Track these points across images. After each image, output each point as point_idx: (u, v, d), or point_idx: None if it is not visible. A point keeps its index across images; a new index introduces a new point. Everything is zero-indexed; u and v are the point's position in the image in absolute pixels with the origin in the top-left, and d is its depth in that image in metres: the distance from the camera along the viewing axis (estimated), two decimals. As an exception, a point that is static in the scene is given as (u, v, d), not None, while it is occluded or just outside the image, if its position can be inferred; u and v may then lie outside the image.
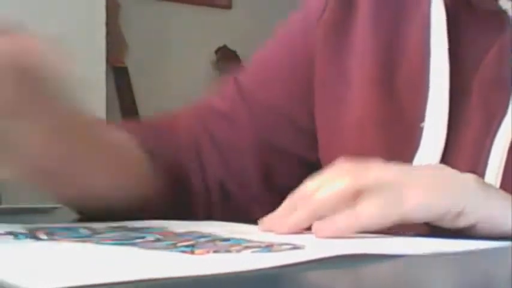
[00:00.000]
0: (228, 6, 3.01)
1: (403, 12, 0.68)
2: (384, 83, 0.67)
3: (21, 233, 0.47)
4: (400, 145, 0.65)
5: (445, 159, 0.62)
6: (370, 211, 0.48)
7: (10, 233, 0.47)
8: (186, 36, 2.86)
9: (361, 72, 0.69)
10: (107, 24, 2.28)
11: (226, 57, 2.84)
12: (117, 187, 0.64)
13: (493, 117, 0.61)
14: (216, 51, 2.87)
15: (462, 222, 0.49)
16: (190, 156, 0.73)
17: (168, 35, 2.84)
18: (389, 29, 0.68)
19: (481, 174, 0.60)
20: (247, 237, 0.45)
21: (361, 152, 0.65)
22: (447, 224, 0.49)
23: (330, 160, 0.70)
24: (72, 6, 2.21)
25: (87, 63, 2.21)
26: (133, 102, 2.61)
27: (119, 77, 2.60)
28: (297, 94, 0.74)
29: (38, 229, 0.48)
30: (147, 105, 2.62)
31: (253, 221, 0.55)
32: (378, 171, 0.51)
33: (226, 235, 0.46)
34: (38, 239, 0.45)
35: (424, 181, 0.51)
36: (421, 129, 0.63)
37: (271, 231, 0.50)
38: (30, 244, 0.43)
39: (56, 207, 0.80)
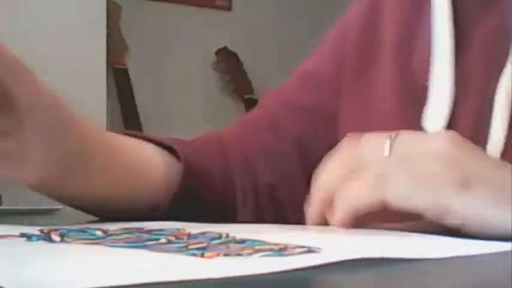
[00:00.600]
0: (228, 8, 3.01)
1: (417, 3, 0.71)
2: (401, 52, 0.70)
3: (34, 235, 0.46)
4: (409, 106, 0.67)
5: (452, 113, 0.64)
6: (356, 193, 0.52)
7: (23, 235, 0.46)
8: (186, 37, 2.86)
9: (387, 63, 0.72)
10: (108, 25, 2.29)
11: (227, 59, 2.85)
12: (135, 196, 0.65)
13: (495, 65, 0.63)
14: (216, 53, 2.87)
15: (449, 220, 0.49)
16: (237, 165, 0.74)
17: (168, 37, 2.84)
18: (408, 17, 0.71)
19: (486, 125, 0.61)
20: (265, 238, 0.44)
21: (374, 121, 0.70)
22: (433, 219, 0.49)
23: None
24: (72, 7, 2.21)
25: (88, 64, 2.21)
26: (134, 103, 2.61)
27: (120, 78, 2.60)
28: (332, 98, 0.77)
29: (51, 230, 0.48)
30: (147, 106, 2.62)
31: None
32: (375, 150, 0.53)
33: (243, 236, 0.46)
34: (51, 241, 0.45)
35: (411, 171, 0.51)
36: (426, 88, 0.65)
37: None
38: (43, 246, 0.43)
39: (57, 209, 0.80)
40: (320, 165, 0.56)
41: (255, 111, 0.80)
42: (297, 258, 0.37)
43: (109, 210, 0.62)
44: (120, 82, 2.60)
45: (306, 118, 0.76)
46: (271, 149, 0.75)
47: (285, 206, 0.75)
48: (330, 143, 0.74)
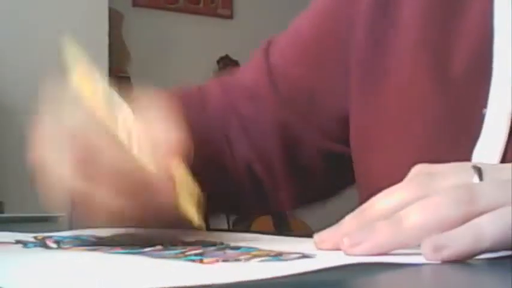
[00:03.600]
0: (230, 17, 3.01)
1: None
2: (438, 65, 0.61)
3: (30, 242, 0.47)
4: (458, 135, 0.58)
5: (508, 148, 0.56)
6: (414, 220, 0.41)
7: (19, 242, 0.46)
8: (188, 46, 2.86)
9: (410, 52, 0.62)
10: (110, 34, 2.29)
11: (228, 67, 2.85)
12: None
13: None
14: (218, 61, 2.88)
15: None
16: (219, 136, 0.71)
17: (170, 45, 2.84)
18: (440, 16, 0.62)
19: None
20: (258, 245, 0.44)
21: (407, 147, 0.58)
22: None
23: (364, 156, 0.65)
24: (74, 16, 2.21)
25: (90, 73, 2.21)
26: (136, 111, 2.61)
27: (122, 87, 2.61)
28: (326, 73, 0.69)
29: (46, 238, 0.48)
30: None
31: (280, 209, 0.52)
32: (450, 179, 0.43)
33: (236, 243, 0.46)
34: (47, 247, 0.45)
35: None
36: (483, 116, 0.57)
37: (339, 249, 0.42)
38: (39, 253, 0.43)
39: (59, 216, 0.80)
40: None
41: (240, 73, 0.74)
42: (296, 263, 0.37)
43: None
44: (122, 90, 2.61)
45: (290, 93, 0.70)
46: (251, 122, 0.71)
47: (263, 182, 0.71)
48: (312, 124, 0.69)
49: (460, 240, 0.39)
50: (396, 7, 0.64)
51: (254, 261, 0.38)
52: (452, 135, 0.59)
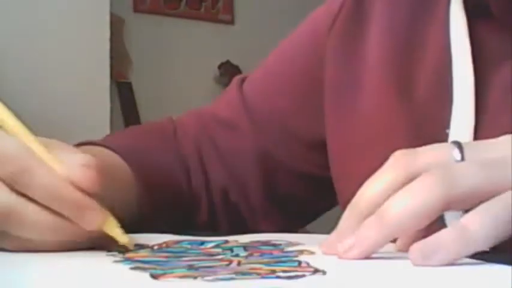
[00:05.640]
0: (231, 22, 3.02)
1: (418, 20, 0.66)
2: (402, 93, 0.64)
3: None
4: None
5: None
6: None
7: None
8: (189, 51, 2.87)
9: (377, 81, 0.67)
10: (111, 39, 2.30)
11: (229, 72, 2.85)
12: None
13: None
14: (219, 66, 2.88)
15: None
16: (194, 165, 0.73)
17: (171, 51, 2.85)
18: (404, 37, 0.66)
19: None
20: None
21: (379, 163, 0.63)
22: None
23: (344, 173, 0.68)
24: (76, 21, 2.22)
25: (91, 79, 2.22)
26: (137, 117, 2.61)
27: (123, 92, 2.61)
28: (299, 107, 0.73)
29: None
30: (151, 120, 2.63)
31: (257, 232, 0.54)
32: (427, 152, 0.43)
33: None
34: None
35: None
36: (446, 136, 0.59)
37: (335, 254, 0.42)
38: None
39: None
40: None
41: (214, 106, 0.77)
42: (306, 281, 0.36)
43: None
44: (123, 96, 2.61)
45: (264, 122, 0.73)
46: (227, 152, 0.73)
47: (240, 209, 0.73)
48: (287, 149, 0.72)
49: (448, 245, 0.38)
50: (364, 43, 0.68)
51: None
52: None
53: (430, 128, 0.61)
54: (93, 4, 2.25)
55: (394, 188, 0.42)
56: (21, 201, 0.45)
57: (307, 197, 0.75)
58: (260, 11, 3.06)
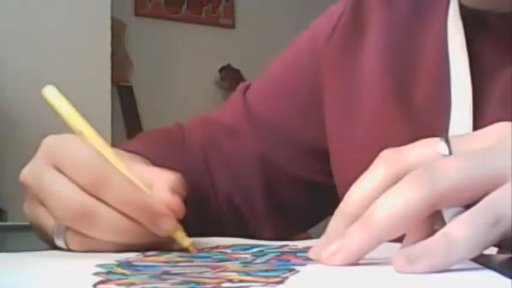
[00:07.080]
0: (232, 26, 3.02)
1: (416, 30, 0.67)
2: (401, 101, 0.65)
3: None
4: None
5: None
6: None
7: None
8: (190, 55, 2.87)
9: (376, 89, 0.68)
10: (112, 43, 2.30)
11: (230, 76, 2.86)
12: None
13: None
14: (220, 70, 2.89)
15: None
16: (200, 170, 0.74)
17: (172, 54, 2.85)
18: (402, 46, 0.67)
19: None
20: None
21: None
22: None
23: (345, 178, 0.70)
24: (77, 26, 2.22)
25: (93, 82, 2.22)
26: (138, 120, 2.62)
27: (124, 96, 2.62)
28: (300, 115, 0.74)
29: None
30: (151, 123, 2.63)
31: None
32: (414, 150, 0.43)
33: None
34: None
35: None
36: None
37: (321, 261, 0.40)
38: None
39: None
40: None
41: (219, 112, 0.78)
42: None
43: None
44: (124, 99, 2.62)
45: (266, 128, 0.75)
46: (231, 158, 0.74)
47: (243, 214, 0.74)
48: (289, 156, 0.73)
49: (431, 252, 0.37)
50: (363, 52, 0.70)
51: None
52: None
53: (429, 136, 0.61)
54: (94, 8, 2.26)
55: (382, 187, 0.41)
56: (96, 202, 0.48)
57: (308, 203, 0.76)
58: (261, 15, 3.07)
